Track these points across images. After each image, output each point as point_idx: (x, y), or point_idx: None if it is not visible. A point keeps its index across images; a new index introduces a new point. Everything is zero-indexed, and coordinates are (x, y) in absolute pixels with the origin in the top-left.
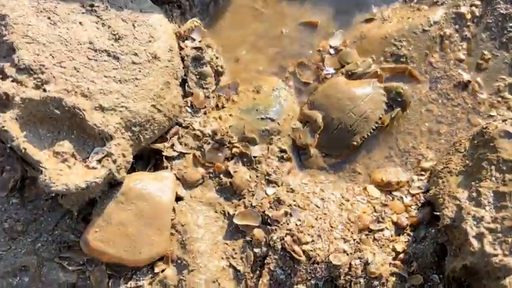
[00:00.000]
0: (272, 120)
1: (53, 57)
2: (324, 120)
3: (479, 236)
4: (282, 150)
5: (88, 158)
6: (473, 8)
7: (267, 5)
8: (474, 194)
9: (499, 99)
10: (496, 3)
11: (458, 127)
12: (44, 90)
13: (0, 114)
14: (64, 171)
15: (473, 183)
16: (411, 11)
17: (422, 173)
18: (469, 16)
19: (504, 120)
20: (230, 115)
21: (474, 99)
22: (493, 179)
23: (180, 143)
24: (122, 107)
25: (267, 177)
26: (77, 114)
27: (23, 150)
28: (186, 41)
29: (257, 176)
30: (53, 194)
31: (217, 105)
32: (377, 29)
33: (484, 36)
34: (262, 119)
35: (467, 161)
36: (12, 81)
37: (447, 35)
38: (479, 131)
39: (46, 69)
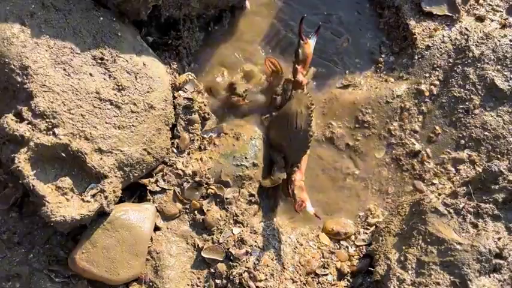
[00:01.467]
0: (246, 167)
1: (64, 104)
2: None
3: None
4: (251, 195)
5: (84, 192)
6: (432, 86)
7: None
8: (402, 258)
9: (442, 170)
10: (451, 85)
11: (404, 190)
12: (54, 133)
13: (16, 156)
14: (63, 204)
15: (404, 247)
16: (380, 81)
17: (368, 227)
18: (427, 93)
19: (439, 195)
20: (210, 158)
21: (422, 167)
22: (419, 247)
23: (164, 180)
24: (118, 150)
25: (235, 218)
26: (79, 157)
27: (32, 187)
28: (179, 91)
29: (227, 216)
30: None
31: (200, 147)
32: (348, 95)
33: (438, 113)
34: (237, 165)
35: (404, 226)
36: (28, 123)
37: (407, 107)
38: (417, 200)
39: (57, 115)
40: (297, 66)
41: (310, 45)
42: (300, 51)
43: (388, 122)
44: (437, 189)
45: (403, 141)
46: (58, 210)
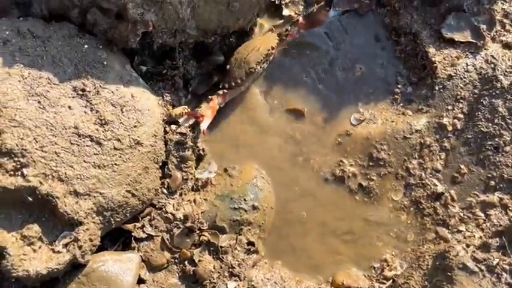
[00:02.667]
0: (245, 211)
1: (36, 141)
2: None
3: None
4: (250, 243)
5: (55, 241)
6: (456, 120)
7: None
8: None
9: (470, 215)
10: (478, 119)
11: (426, 237)
12: (22, 174)
13: None
14: (28, 256)
15: None
16: (396, 114)
17: (384, 281)
18: (450, 128)
19: (467, 246)
20: (205, 199)
21: (445, 211)
22: None
23: (151, 225)
24: (97, 192)
25: (230, 270)
26: (49, 201)
27: None
28: (172, 125)
29: (221, 267)
30: None
31: (193, 187)
32: (361, 129)
33: (463, 150)
34: (235, 208)
35: (426, 282)
36: None
37: (427, 143)
38: (442, 252)
39: (28, 153)
40: (300, 19)
41: (327, 15)
42: (314, 10)
43: (406, 159)
44: (464, 237)
45: (423, 182)
46: (21, 264)
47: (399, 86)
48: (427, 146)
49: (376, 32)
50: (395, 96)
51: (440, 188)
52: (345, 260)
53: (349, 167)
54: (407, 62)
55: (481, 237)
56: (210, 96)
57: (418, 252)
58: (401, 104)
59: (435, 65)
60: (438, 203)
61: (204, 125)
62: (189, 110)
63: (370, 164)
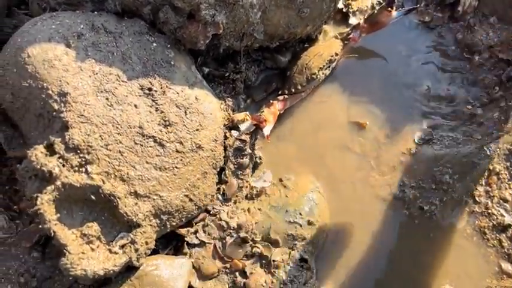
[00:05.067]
0: (300, 225)
1: (102, 138)
2: None
3: None
4: (303, 259)
5: (113, 241)
6: None
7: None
8: None
9: None
10: None
11: (488, 270)
12: (86, 171)
13: (39, 196)
14: (86, 255)
15: None
16: (464, 136)
17: None
18: None
19: None
20: (259, 209)
21: (511, 244)
22: None
23: (204, 231)
24: (156, 195)
25: (282, 286)
26: (111, 201)
27: (52, 234)
28: (232, 131)
29: (272, 282)
30: None
31: (247, 196)
32: (425, 149)
33: None
34: (290, 222)
35: None
36: (59, 157)
37: (496, 171)
38: None
39: (93, 150)
40: (362, 22)
41: (391, 16)
42: (376, 12)
43: (472, 185)
44: None
45: (489, 211)
46: (79, 263)
47: (469, 107)
48: (496, 173)
49: (446, 47)
50: (464, 117)
51: (507, 220)
52: (397, 286)
53: (410, 188)
54: (479, 81)
55: None
56: (271, 101)
57: (479, 286)
58: (469, 126)
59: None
60: (504, 235)
61: (267, 130)
62: (249, 116)
63: (433, 187)
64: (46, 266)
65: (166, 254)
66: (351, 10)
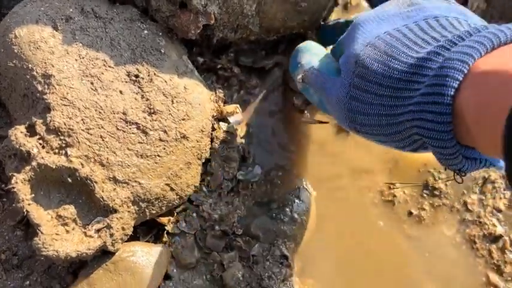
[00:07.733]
0: (283, 221)
1: (84, 122)
2: None
3: None
4: (284, 256)
5: (89, 225)
6: None
7: None
8: None
9: None
10: None
11: (475, 281)
12: (66, 153)
13: (15, 175)
14: (60, 236)
15: None
16: None
17: None
18: None
19: None
20: (243, 203)
21: (501, 256)
22: None
23: (186, 221)
24: (135, 181)
25: (259, 281)
26: (87, 185)
27: (26, 213)
28: (220, 122)
29: (250, 277)
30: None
31: (232, 189)
32: (419, 153)
33: None
34: (272, 217)
35: None
36: (39, 138)
37: (491, 179)
38: None
39: (74, 133)
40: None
41: None
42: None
43: (465, 193)
44: None
45: (481, 220)
46: (52, 243)
47: None
48: (491, 182)
49: None
50: None
51: (499, 230)
52: None
53: (401, 192)
54: None
55: None
56: None
57: None
58: None
59: None
60: (494, 245)
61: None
62: (240, 110)
63: (425, 192)
64: (28, 245)
65: (146, 241)
66: (348, 6)
